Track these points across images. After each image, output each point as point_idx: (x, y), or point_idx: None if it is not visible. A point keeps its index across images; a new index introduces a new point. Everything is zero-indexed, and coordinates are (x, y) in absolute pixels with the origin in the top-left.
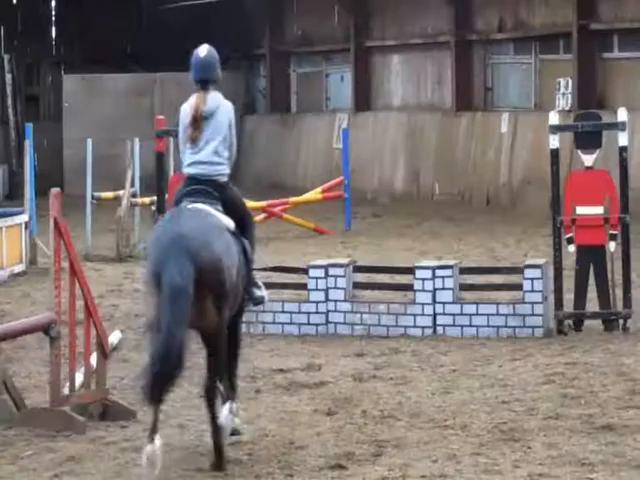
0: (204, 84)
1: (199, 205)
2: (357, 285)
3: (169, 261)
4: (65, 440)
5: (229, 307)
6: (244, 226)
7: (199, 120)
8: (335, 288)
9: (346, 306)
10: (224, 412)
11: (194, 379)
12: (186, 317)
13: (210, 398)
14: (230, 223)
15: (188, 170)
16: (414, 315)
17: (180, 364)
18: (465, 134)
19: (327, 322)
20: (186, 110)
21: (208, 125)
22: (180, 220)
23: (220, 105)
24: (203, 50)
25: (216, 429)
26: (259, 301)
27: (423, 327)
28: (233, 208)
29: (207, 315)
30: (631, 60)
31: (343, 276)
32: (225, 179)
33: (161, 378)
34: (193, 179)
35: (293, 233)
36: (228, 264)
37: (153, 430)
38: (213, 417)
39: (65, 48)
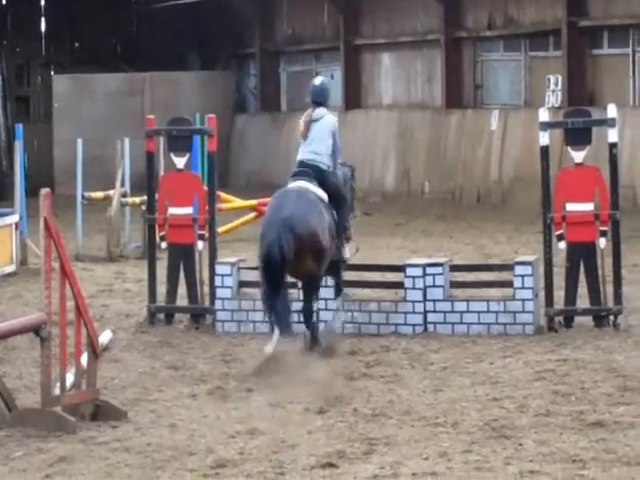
0: (316, 104)
1: (301, 182)
2: (348, 283)
3: (274, 235)
4: (56, 440)
5: (324, 261)
6: (337, 200)
7: (307, 124)
8: (326, 287)
9: (337, 304)
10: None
11: (185, 379)
12: (279, 277)
13: (308, 317)
14: (323, 195)
15: (299, 157)
16: (405, 313)
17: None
18: (455, 132)
19: (318, 321)
20: (300, 120)
21: (313, 129)
22: (286, 201)
23: (324, 116)
24: (318, 80)
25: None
26: (346, 260)
27: (414, 325)
28: (329, 188)
29: (308, 268)
30: (621, 57)
31: None
32: (324, 167)
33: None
34: (301, 162)
35: None
36: (321, 231)
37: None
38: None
39: (55, 48)
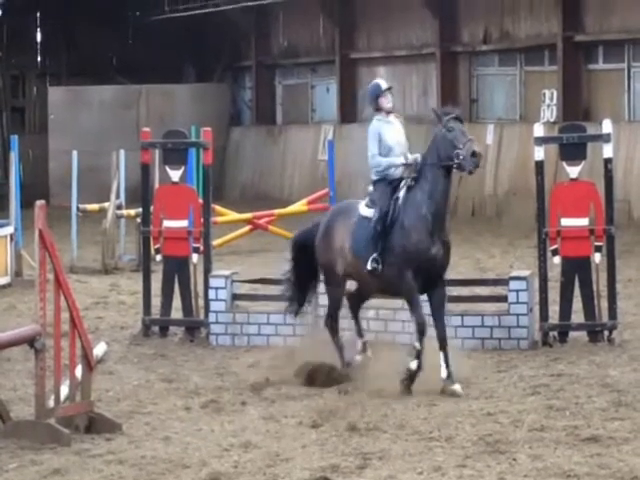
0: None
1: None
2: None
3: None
4: (50, 452)
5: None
6: None
7: None
8: (324, 294)
9: None
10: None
11: (179, 392)
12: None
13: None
14: (365, 211)
15: None
16: (402, 321)
17: None
18: None
19: (312, 333)
20: None
21: None
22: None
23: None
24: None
25: None
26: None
27: (411, 333)
28: None
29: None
30: (616, 71)
31: None
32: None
33: None
34: None
35: (279, 245)
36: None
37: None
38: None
39: (50, 60)
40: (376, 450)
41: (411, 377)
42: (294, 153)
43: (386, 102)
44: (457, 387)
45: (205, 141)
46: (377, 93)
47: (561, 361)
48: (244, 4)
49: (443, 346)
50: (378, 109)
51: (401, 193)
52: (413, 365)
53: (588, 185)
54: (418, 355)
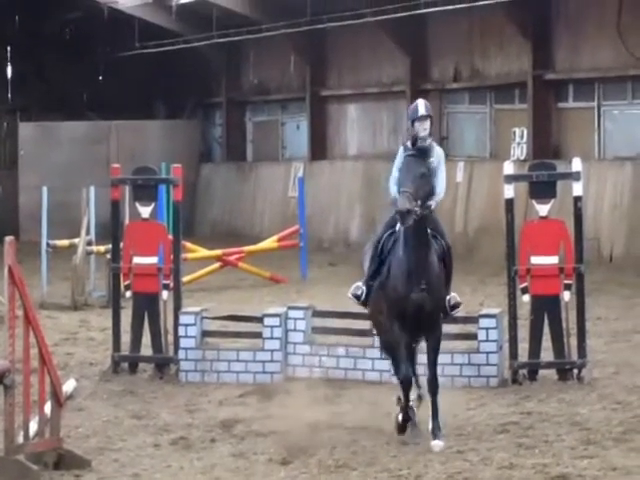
0: None
1: None
2: (316, 330)
3: None
4: None
5: None
6: None
7: None
8: (295, 331)
9: (305, 348)
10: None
11: (148, 429)
12: None
13: None
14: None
15: None
16: (372, 359)
17: None
18: None
19: (282, 370)
20: None
21: None
22: None
23: None
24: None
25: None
26: None
27: (381, 371)
28: None
29: None
30: (586, 110)
31: (303, 319)
32: None
33: None
34: None
35: (249, 282)
36: None
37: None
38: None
39: (21, 95)
40: None
41: (400, 428)
42: (264, 190)
43: (421, 129)
44: (436, 444)
45: (175, 178)
46: (414, 117)
47: (531, 399)
48: (215, 41)
49: (431, 392)
50: (412, 135)
51: (397, 228)
52: (399, 418)
53: (558, 223)
54: (404, 409)
